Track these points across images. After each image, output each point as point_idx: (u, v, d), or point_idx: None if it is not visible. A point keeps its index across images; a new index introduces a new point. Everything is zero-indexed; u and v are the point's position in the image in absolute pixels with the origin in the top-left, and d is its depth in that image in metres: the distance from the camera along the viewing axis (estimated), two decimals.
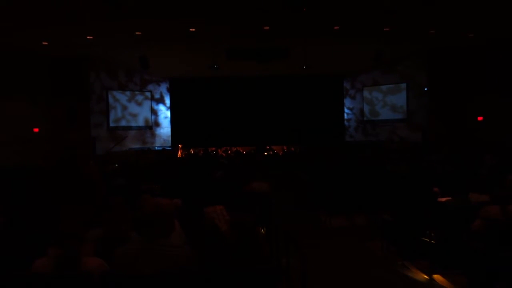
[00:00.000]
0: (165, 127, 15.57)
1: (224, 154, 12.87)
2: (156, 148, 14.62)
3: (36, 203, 4.92)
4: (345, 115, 16.06)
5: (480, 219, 3.75)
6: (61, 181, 5.36)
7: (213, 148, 13.81)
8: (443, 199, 4.71)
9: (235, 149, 13.69)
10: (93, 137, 12.43)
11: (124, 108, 14.14)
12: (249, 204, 5.46)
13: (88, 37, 9.66)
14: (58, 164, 7.43)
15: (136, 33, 9.37)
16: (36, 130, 11.43)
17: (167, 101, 15.61)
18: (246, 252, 2.85)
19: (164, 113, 15.58)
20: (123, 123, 14.10)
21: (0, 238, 3.39)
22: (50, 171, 6.90)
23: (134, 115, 14.48)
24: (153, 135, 15.25)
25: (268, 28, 9.38)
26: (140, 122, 14.72)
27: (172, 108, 15.58)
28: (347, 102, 16.04)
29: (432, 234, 4.33)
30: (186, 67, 13.64)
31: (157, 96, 15.36)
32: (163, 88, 15.56)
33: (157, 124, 15.40)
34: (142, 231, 2.44)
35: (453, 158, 8.90)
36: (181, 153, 13.44)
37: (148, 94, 15.01)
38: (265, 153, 13.07)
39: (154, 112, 15.26)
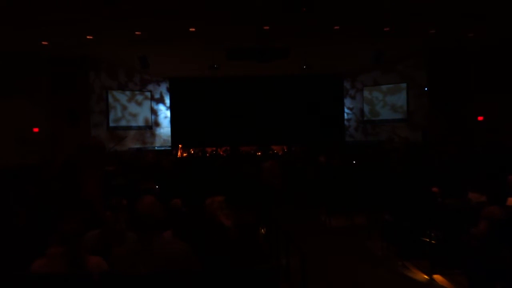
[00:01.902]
0: (165, 127, 15.57)
1: (224, 154, 12.88)
2: (156, 148, 14.63)
3: (35, 203, 4.92)
4: (345, 115, 16.05)
5: (483, 220, 3.73)
6: (59, 188, 5.24)
7: (213, 148, 13.80)
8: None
9: (233, 148, 13.66)
10: (92, 136, 12.40)
11: (124, 108, 14.13)
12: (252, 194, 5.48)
13: (88, 37, 9.66)
14: (59, 172, 7.35)
15: (136, 33, 9.36)
16: (36, 130, 11.42)
17: (167, 101, 15.61)
18: (246, 252, 2.85)
19: (164, 113, 15.58)
20: (123, 123, 14.09)
21: (5, 236, 3.39)
22: (49, 176, 6.86)
23: (134, 115, 14.47)
24: (153, 135, 15.24)
25: (268, 28, 9.37)
26: (140, 122, 14.71)
27: (172, 108, 15.57)
28: (347, 102, 16.03)
29: (432, 234, 4.33)
30: (186, 67, 13.63)
31: (157, 96, 15.36)
32: (163, 88, 15.55)
33: (157, 124, 15.40)
34: (136, 231, 2.45)
35: (453, 158, 8.89)
36: (181, 153, 13.43)
37: (148, 94, 15.00)
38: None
39: (154, 112, 15.26)
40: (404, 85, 13.90)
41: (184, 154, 13.36)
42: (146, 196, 2.57)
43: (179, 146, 13.73)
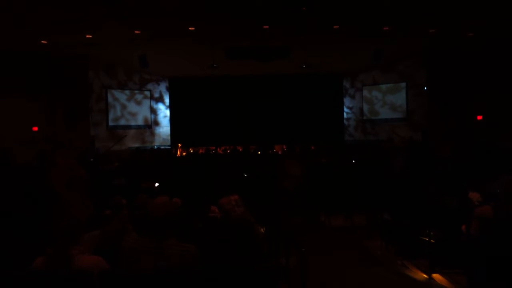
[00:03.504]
0: (164, 126, 15.56)
1: (223, 154, 12.88)
2: (156, 147, 14.63)
3: (35, 202, 4.92)
4: (345, 114, 16.06)
5: (475, 219, 3.74)
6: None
7: (213, 147, 13.80)
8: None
9: (232, 147, 13.68)
10: (92, 136, 12.41)
11: (124, 107, 14.11)
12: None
13: (87, 36, 9.64)
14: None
15: (136, 32, 9.35)
16: (35, 129, 11.41)
17: (167, 100, 15.60)
18: (246, 251, 2.85)
19: (164, 112, 15.57)
20: (123, 122, 14.08)
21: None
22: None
23: (134, 114, 14.45)
24: (153, 134, 15.23)
25: (268, 27, 9.37)
26: (140, 121, 14.69)
27: (171, 107, 15.56)
28: (347, 101, 16.02)
29: (432, 233, 4.33)
30: (185, 66, 13.62)
31: (156, 95, 15.34)
32: (163, 87, 15.54)
33: (156, 123, 15.39)
34: (148, 231, 2.42)
35: (452, 157, 8.90)
36: (181, 152, 13.44)
37: (148, 93, 14.99)
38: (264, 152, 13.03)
39: (154, 111, 15.25)
40: (403, 84, 13.89)
41: (184, 154, 13.36)
42: (160, 196, 2.55)
43: (178, 146, 13.73)
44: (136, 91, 14.56)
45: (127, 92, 14.22)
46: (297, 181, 7.34)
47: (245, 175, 7.90)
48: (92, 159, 9.91)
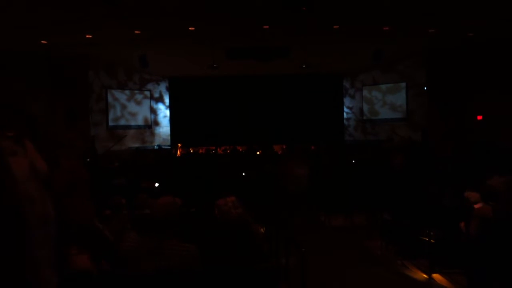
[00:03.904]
0: (164, 126, 15.56)
1: (223, 154, 12.87)
2: (156, 147, 14.63)
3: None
4: (345, 114, 16.06)
5: (475, 219, 3.74)
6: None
7: (213, 147, 13.80)
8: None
9: (232, 147, 13.68)
10: (92, 136, 12.40)
11: (124, 107, 14.11)
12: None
13: (87, 36, 9.64)
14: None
15: (136, 32, 9.36)
16: None
17: (167, 100, 15.61)
18: (245, 251, 2.86)
19: (164, 112, 15.57)
20: (123, 122, 14.08)
21: None
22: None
23: (134, 114, 14.45)
24: (153, 134, 15.24)
25: (268, 27, 9.37)
26: (140, 121, 14.70)
27: (171, 107, 15.57)
28: (347, 101, 16.03)
29: (432, 233, 4.34)
30: (185, 66, 13.62)
31: (156, 95, 15.35)
32: (163, 87, 15.54)
33: (156, 123, 15.39)
34: (148, 231, 2.43)
35: (452, 157, 8.90)
36: (181, 152, 13.44)
37: (148, 93, 14.99)
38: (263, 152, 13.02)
39: (154, 111, 15.25)
40: (403, 84, 13.90)
41: (184, 153, 13.37)
42: (164, 197, 2.56)
43: (178, 146, 13.73)
44: (136, 91, 14.56)
45: (127, 92, 14.22)
46: (301, 182, 7.31)
47: (243, 174, 7.89)
48: (92, 159, 9.91)
